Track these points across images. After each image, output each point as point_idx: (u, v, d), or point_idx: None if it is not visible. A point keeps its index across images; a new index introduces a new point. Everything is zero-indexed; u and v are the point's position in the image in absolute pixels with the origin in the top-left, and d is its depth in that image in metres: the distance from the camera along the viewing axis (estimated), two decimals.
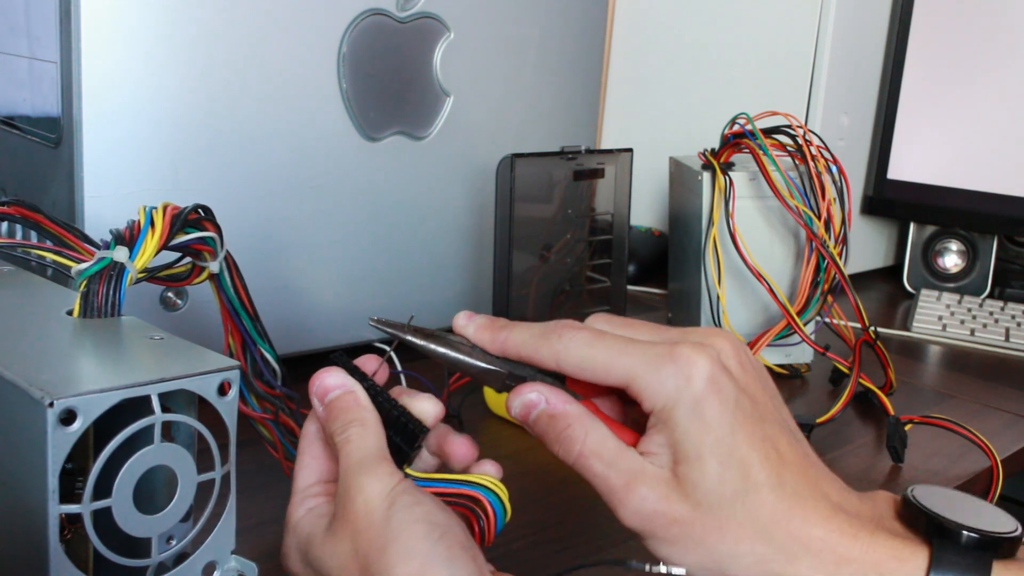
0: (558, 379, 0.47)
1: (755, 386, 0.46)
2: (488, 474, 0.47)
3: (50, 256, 0.48)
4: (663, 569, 0.43)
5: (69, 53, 0.67)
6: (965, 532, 0.42)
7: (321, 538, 0.44)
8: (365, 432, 0.45)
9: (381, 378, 0.49)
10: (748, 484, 0.43)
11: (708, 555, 0.43)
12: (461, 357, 0.48)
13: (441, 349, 0.48)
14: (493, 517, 0.45)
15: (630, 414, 0.48)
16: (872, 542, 0.43)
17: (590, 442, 0.45)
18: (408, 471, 0.46)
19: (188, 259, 0.52)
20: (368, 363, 0.48)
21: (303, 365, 0.81)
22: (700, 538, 0.43)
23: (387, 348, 0.50)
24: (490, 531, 0.45)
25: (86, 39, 0.67)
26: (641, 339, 0.46)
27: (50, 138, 0.71)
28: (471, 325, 0.49)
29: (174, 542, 0.45)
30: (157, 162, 0.71)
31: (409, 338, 0.48)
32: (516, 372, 0.47)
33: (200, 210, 0.51)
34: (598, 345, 0.45)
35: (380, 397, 0.47)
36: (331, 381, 0.47)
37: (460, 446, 0.48)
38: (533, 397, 0.46)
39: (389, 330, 0.48)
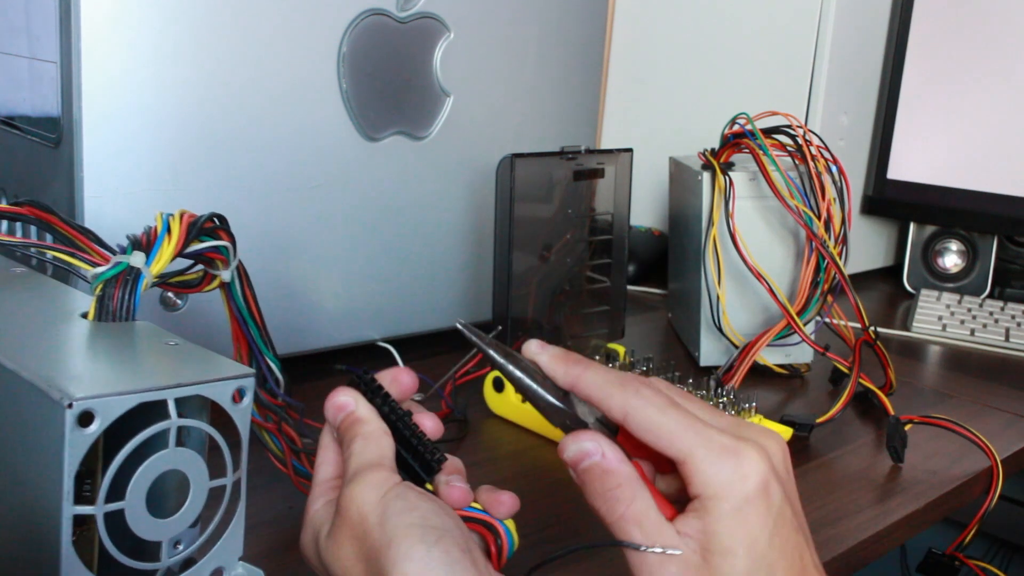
0: (611, 429, 0.48)
1: (794, 495, 0.46)
2: (502, 504, 0.48)
3: (63, 257, 0.48)
4: (658, 550, 0.43)
5: (69, 53, 0.67)
6: None
7: (325, 540, 0.45)
8: (366, 444, 0.47)
9: (411, 389, 0.50)
10: None
11: None
12: (534, 386, 0.48)
13: (518, 372, 0.48)
14: (506, 542, 0.47)
15: (664, 482, 0.49)
16: None
17: (635, 508, 0.44)
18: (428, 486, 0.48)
19: (200, 266, 0.52)
20: (401, 375, 0.50)
21: (303, 365, 0.81)
22: None
23: (390, 347, 0.51)
24: (503, 555, 0.47)
25: (86, 39, 0.67)
26: (707, 421, 0.46)
27: (50, 138, 0.71)
28: (544, 354, 0.48)
29: (182, 547, 0.45)
30: (157, 162, 0.71)
31: (491, 352, 0.48)
32: (579, 415, 0.47)
33: (216, 219, 0.52)
34: (670, 414, 0.45)
35: (400, 423, 0.48)
36: (338, 402, 0.49)
37: (506, 497, 0.49)
38: (590, 447, 0.46)
39: (473, 338, 0.48)
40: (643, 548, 0.43)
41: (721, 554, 0.43)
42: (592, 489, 0.46)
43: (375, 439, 0.47)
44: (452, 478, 0.49)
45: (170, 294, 0.73)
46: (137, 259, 0.48)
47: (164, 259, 0.48)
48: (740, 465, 0.44)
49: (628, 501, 0.44)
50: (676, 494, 0.46)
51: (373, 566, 0.42)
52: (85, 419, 0.38)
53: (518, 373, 0.48)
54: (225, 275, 0.52)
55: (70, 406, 0.37)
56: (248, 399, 0.43)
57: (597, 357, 0.84)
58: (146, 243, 0.49)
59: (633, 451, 0.47)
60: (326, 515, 0.47)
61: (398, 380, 0.50)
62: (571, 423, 0.47)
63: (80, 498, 0.39)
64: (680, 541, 0.44)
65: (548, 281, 0.86)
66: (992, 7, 1.22)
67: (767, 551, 0.43)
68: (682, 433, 0.44)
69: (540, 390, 0.48)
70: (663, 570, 0.43)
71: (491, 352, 0.48)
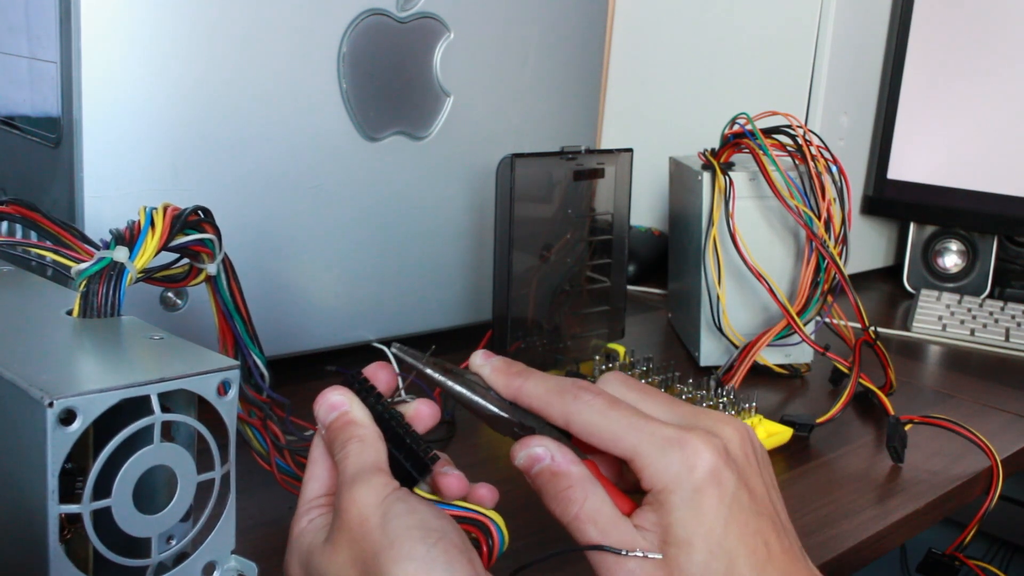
0: (564, 434, 0.48)
1: (756, 479, 0.46)
2: (483, 497, 0.48)
3: (49, 255, 0.48)
4: (639, 553, 0.43)
5: (69, 53, 0.67)
6: None
7: (321, 548, 0.45)
8: (363, 447, 0.46)
9: (389, 387, 0.49)
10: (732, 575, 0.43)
11: None
12: (475, 398, 0.48)
13: (457, 387, 0.48)
14: (497, 541, 0.47)
15: (626, 476, 0.49)
16: None
17: (588, 507, 0.45)
18: (417, 491, 0.47)
19: (185, 260, 0.52)
20: (379, 371, 0.49)
21: (303, 367, 0.81)
22: None
23: (385, 347, 0.51)
24: (494, 554, 0.47)
25: (86, 39, 0.67)
26: (654, 414, 0.46)
27: (50, 138, 0.71)
28: (487, 366, 0.49)
29: (174, 542, 0.45)
30: (157, 162, 0.71)
31: (428, 371, 0.48)
32: (525, 422, 0.48)
33: (200, 212, 0.51)
34: (611, 415, 0.45)
35: (393, 421, 0.48)
36: (332, 401, 0.48)
37: (454, 481, 0.48)
38: (539, 452, 0.47)
39: (409, 360, 0.49)
40: (624, 552, 0.43)
41: (677, 546, 0.43)
42: (546, 492, 0.46)
43: (371, 442, 0.47)
44: (445, 468, 0.49)
45: (170, 294, 0.73)
46: (120, 254, 0.48)
47: (148, 253, 0.48)
48: (686, 456, 0.44)
49: (581, 501, 0.45)
50: (638, 487, 0.46)
51: (370, 569, 0.42)
52: (67, 417, 0.38)
53: (458, 388, 0.48)
54: (211, 268, 0.52)
55: (51, 405, 0.37)
56: (233, 392, 0.43)
57: (597, 357, 0.84)
58: (129, 237, 0.48)
59: (588, 450, 0.47)
60: (315, 532, 0.46)
61: (375, 377, 0.50)
62: (519, 431, 0.48)
63: (72, 495, 0.39)
64: (639, 536, 0.44)
65: (548, 281, 0.86)
66: (992, 7, 1.22)
67: (724, 539, 0.43)
68: (624, 432, 0.45)
69: (482, 401, 0.48)
70: (622, 566, 0.44)
71: (429, 371, 0.48)
